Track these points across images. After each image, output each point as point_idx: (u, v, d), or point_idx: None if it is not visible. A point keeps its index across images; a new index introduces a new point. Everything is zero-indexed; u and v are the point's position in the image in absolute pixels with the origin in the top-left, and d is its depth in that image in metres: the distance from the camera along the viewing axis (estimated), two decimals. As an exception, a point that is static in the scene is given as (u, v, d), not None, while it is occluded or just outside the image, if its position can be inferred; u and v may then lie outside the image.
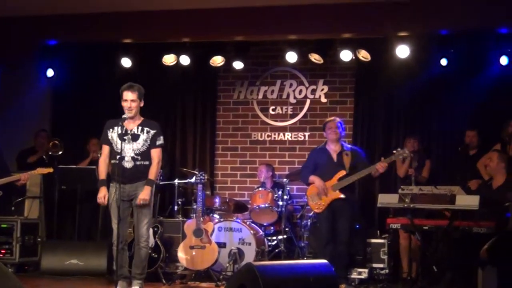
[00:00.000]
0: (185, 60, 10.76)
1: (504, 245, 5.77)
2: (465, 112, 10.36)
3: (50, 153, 10.57)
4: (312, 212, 9.29)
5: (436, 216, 8.02)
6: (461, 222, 7.78)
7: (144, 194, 7.38)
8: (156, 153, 7.53)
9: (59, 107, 11.77)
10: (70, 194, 10.47)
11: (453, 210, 7.72)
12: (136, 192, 7.44)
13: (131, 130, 7.46)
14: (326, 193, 8.70)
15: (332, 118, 9.11)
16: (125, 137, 7.40)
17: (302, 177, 9.25)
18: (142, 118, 7.60)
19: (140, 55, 10.91)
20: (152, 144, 7.52)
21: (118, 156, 7.35)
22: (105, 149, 7.57)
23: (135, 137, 7.46)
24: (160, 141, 7.59)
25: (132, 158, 7.42)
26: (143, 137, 7.48)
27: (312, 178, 8.89)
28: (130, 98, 7.44)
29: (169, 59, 10.85)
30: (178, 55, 10.77)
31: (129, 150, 7.42)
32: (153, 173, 7.49)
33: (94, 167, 10.01)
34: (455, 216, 7.74)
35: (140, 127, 7.50)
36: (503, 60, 9.84)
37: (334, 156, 8.84)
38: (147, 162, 7.49)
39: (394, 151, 8.52)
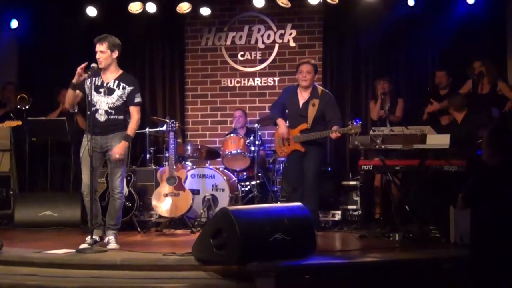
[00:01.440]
0: (151, 7, 10.66)
1: (479, 188, 5.83)
2: (434, 52, 10.45)
3: (18, 106, 10.47)
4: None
5: (408, 156, 8.06)
6: (432, 161, 7.83)
7: (120, 148, 7.24)
8: (135, 111, 7.37)
9: (25, 58, 11.61)
10: (41, 146, 10.41)
11: (424, 149, 7.78)
12: (109, 144, 7.32)
13: (107, 83, 7.32)
14: (288, 142, 8.63)
15: (306, 60, 8.85)
16: (101, 90, 7.29)
17: (271, 113, 9.14)
18: (120, 71, 7.44)
19: (106, 3, 10.76)
20: (129, 101, 7.36)
21: (93, 108, 7.21)
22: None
23: (110, 91, 7.30)
24: (138, 98, 7.41)
25: (106, 111, 7.28)
26: (118, 92, 7.31)
27: (279, 121, 8.74)
28: (99, 50, 7.29)
29: (135, 7, 10.73)
30: (144, 3, 10.66)
31: (103, 103, 7.29)
32: (132, 129, 7.34)
33: (64, 118, 10.00)
34: (426, 155, 7.81)
35: (116, 82, 7.35)
36: (470, -1, 9.90)
37: (301, 104, 8.62)
38: (121, 117, 7.36)
39: (350, 123, 8.34)
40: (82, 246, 7.05)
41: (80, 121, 10.19)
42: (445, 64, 9.96)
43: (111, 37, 7.36)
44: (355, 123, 8.18)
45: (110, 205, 7.49)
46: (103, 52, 7.28)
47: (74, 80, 7.15)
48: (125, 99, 7.35)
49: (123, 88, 7.35)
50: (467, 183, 5.92)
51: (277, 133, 8.85)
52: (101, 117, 7.29)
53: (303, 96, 8.65)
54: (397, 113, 9.71)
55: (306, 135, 8.49)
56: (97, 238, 7.26)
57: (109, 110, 7.29)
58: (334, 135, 8.28)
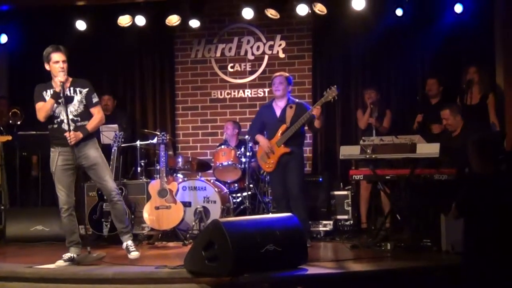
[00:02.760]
0: (140, 20, 10.63)
1: (471, 198, 5.86)
2: (423, 62, 10.48)
3: (10, 121, 10.47)
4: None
5: (398, 165, 8.08)
6: (422, 170, 7.85)
7: (76, 134, 7.08)
8: (96, 111, 7.31)
9: (15, 72, 11.62)
10: (31, 160, 10.39)
11: (414, 159, 7.79)
12: (82, 153, 7.20)
13: (63, 93, 7.17)
14: (272, 151, 8.65)
15: (278, 73, 8.95)
16: (60, 100, 7.12)
17: (248, 135, 9.27)
18: (70, 78, 7.29)
19: (95, 17, 10.73)
20: (89, 104, 7.26)
21: (56, 120, 7.16)
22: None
23: (69, 99, 7.17)
24: (96, 98, 7.34)
25: (72, 120, 7.13)
26: (77, 98, 7.22)
27: (258, 137, 8.86)
28: (62, 59, 7.14)
29: (124, 20, 10.70)
30: (133, 16, 10.62)
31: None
32: (92, 125, 7.25)
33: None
34: (416, 165, 7.82)
35: (72, 88, 7.22)
36: (458, 8, 9.90)
37: (278, 113, 8.74)
38: (86, 122, 7.25)
39: (324, 92, 8.48)
40: (58, 263, 7.03)
41: None
42: (434, 73, 9.97)
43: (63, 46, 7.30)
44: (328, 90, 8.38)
45: (113, 210, 7.48)
46: (65, 61, 7.18)
47: (58, 89, 7.07)
48: (85, 103, 7.25)
49: (80, 92, 7.24)
50: (460, 192, 5.95)
51: (258, 152, 8.93)
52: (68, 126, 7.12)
53: (279, 106, 8.79)
54: (384, 123, 9.72)
55: (288, 131, 8.56)
56: (74, 256, 7.17)
57: (75, 118, 7.18)
58: (316, 111, 8.37)
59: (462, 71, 9.38)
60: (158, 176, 9.30)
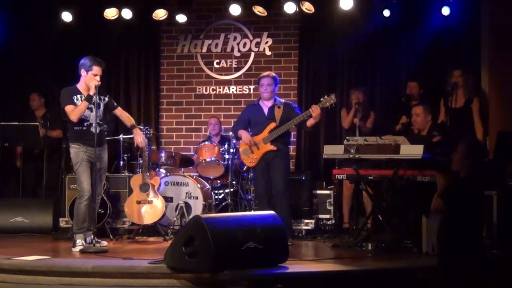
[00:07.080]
0: (127, 13, 10.58)
1: (455, 190, 5.92)
2: (408, 63, 10.48)
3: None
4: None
5: (381, 166, 8.07)
6: (405, 171, 7.85)
7: (141, 135, 8.36)
8: (121, 109, 8.37)
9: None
10: (13, 151, 10.33)
11: (398, 160, 7.78)
12: (101, 156, 8.02)
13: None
14: (257, 146, 8.65)
15: (266, 73, 8.91)
16: (90, 106, 7.83)
17: (232, 131, 9.25)
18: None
19: (81, 9, 10.66)
20: (112, 107, 8.19)
21: (86, 123, 7.88)
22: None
23: (98, 105, 7.87)
24: (115, 102, 8.37)
25: (98, 124, 7.85)
26: (102, 104, 8.02)
27: (240, 132, 8.81)
28: (100, 74, 7.91)
29: (110, 13, 10.65)
30: (120, 9, 10.57)
31: (94, 117, 7.82)
32: (131, 118, 8.42)
33: (37, 123, 9.95)
34: (399, 166, 7.81)
35: (97, 96, 7.83)
36: (445, 11, 9.90)
37: (266, 111, 8.71)
38: (106, 126, 8.20)
39: (321, 99, 8.49)
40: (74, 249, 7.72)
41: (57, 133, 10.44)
42: (419, 75, 9.99)
43: None
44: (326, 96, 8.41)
45: (91, 209, 7.89)
46: (101, 76, 7.96)
47: (92, 93, 7.78)
48: (105, 109, 8.06)
49: (104, 100, 8.04)
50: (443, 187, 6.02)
51: (241, 146, 8.89)
52: (95, 129, 7.81)
53: (266, 105, 8.77)
54: (368, 124, 9.73)
55: (277, 130, 8.54)
56: (83, 242, 7.75)
57: (100, 122, 7.94)
58: (316, 111, 8.33)
59: (447, 74, 9.38)
60: (140, 170, 9.26)
